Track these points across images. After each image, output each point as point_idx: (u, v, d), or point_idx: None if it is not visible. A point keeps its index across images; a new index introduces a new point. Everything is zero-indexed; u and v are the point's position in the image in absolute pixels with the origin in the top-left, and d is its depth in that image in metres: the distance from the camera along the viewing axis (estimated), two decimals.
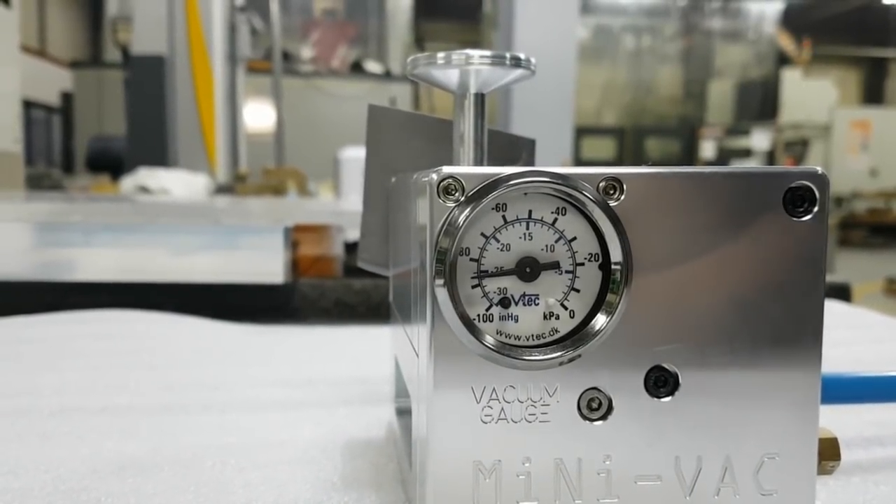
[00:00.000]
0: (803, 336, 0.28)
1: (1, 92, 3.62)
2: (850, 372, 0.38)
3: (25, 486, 0.36)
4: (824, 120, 7.92)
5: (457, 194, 0.26)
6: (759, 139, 8.42)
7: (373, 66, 6.84)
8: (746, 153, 8.38)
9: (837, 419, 0.45)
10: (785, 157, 7.82)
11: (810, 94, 8.10)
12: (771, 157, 8.08)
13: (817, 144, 7.92)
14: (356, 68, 6.80)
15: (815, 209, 0.27)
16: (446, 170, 0.26)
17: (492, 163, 0.34)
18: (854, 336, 0.67)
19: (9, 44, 3.72)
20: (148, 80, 4.28)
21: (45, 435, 0.43)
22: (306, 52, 7.05)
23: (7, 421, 0.45)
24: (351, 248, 1.03)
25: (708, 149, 8.93)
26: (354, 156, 3.49)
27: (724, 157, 8.67)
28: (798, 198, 0.27)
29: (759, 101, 9.56)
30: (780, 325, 0.28)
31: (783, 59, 9.53)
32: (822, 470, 0.31)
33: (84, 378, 0.55)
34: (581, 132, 8.05)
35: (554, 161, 0.27)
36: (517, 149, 0.38)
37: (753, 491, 0.28)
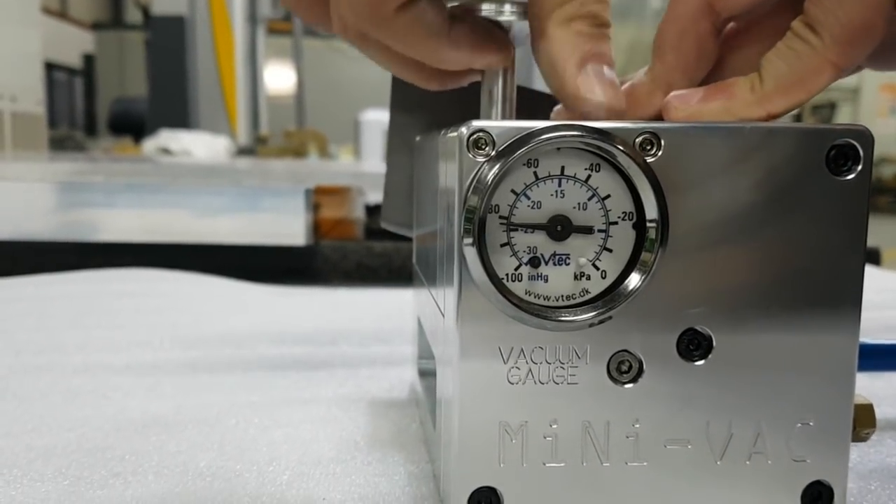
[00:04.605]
0: (842, 299, 0.27)
1: (23, 54, 3.63)
2: (886, 340, 0.37)
3: (49, 444, 0.36)
4: (853, 82, 7.76)
5: (487, 149, 0.25)
6: None
7: None
8: None
9: (869, 377, 0.44)
10: (811, 120, 7.69)
11: None
12: (797, 120, 7.96)
13: (845, 107, 7.77)
14: None
15: (859, 168, 0.26)
16: (476, 123, 0.25)
17: (520, 119, 0.33)
18: (885, 300, 0.65)
19: (30, 5, 3.72)
20: (169, 42, 4.28)
21: (70, 393, 0.43)
22: None
23: (31, 378, 0.46)
24: (372, 210, 1.03)
25: None
26: (374, 118, 3.48)
27: None
28: (841, 156, 0.26)
29: None
30: (819, 287, 0.27)
31: None
32: (857, 437, 0.31)
33: (108, 336, 0.55)
34: None
35: None
36: (546, 106, 0.37)
37: (786, 457, 0.27)
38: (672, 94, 0.28)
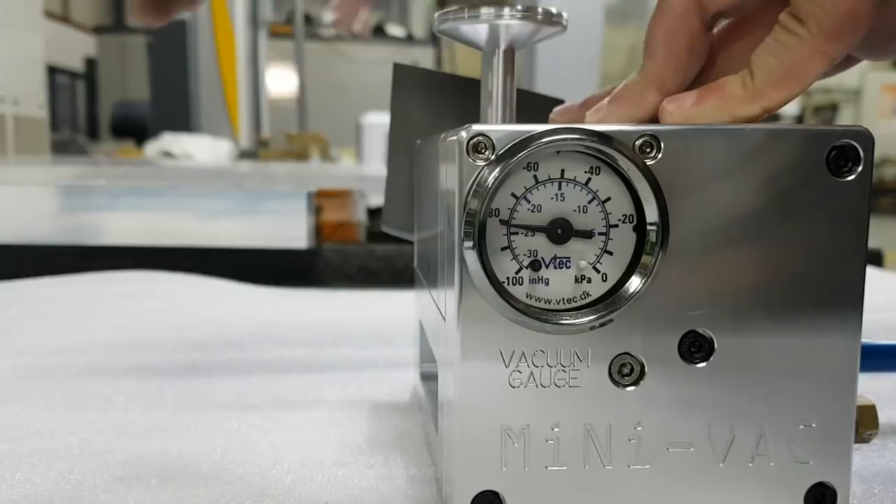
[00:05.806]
0: (843, 300, 0.27)
1: (25, 57, 3.63)
2: (888, 341, 0.37)
3: (51, 448, 0.36)
4: (855, 84, 7.74)
5: (487, 153, 0.25)
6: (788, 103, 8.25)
7: (395, 30, 6.77)
8: (774, 117, 8.23)
9: (874, 378, 0.44)
10: (813, 122, 7.66)
11: None
12: (799, 122, 7.94)
13: (847, 109, 7.75)
14: (378, 32, 6.73)
15: (859, 169, 0.26)
16: (476, 127, 0.25)
17: (521, 122, 0.33)
18: (888, 302, 0.65)
19: (33, 9, 3.72)
20: (171, 45, 4.27)
21: (72, 396, 0.43)
22: (328, 15, 6.99)
23: (34, 382, 0.46)
24: (373, 213, 1.03)
25: None
26: (376, 121, 3.48)
27: None
28: (842, 157, 0.26)
29: None
30: (820, 289, 0.27)
31: None
32: (860, 438, 0.31)
33: (110, 339, 0.55)
34: None
35: None
36: (546, 109, 0.37)
37: (788, 459, 0.27)
38: (666, 99, 0.28)
